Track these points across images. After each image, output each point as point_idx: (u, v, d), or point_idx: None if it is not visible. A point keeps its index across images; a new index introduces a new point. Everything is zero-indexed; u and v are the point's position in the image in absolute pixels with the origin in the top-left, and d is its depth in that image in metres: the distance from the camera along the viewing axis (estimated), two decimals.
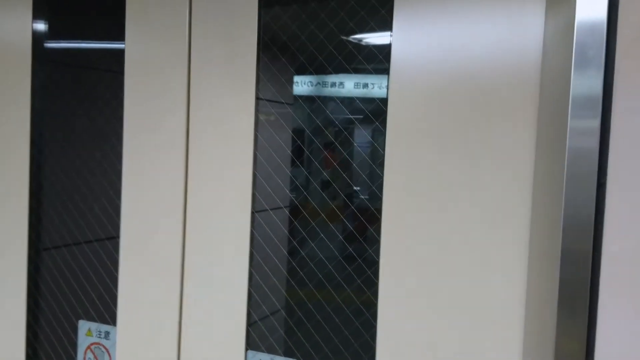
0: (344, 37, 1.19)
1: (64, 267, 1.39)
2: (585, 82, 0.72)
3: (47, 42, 1.36)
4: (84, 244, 1.38)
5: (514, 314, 0.95)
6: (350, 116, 1.26)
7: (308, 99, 1.47)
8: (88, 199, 1.39)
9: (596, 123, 0.71)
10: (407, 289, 1.02)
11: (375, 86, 1.43)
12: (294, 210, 1.29)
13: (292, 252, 1.24)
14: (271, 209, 1.24)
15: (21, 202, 1.35)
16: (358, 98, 1.30)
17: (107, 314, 1.31)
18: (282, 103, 1.26)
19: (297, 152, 1.28)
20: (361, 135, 1.34)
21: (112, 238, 1.29)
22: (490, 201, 0.96)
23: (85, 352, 1.34)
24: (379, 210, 1.05)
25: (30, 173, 1.34)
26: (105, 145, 1.34)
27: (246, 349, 1.17)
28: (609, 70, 0.71)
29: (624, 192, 0.71)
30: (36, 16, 1.35)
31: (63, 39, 1.41)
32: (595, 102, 0.71)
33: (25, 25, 1.35)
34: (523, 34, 0.92)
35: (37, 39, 1.35)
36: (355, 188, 1.36)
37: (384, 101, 1.06)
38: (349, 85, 1.49)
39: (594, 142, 0.72)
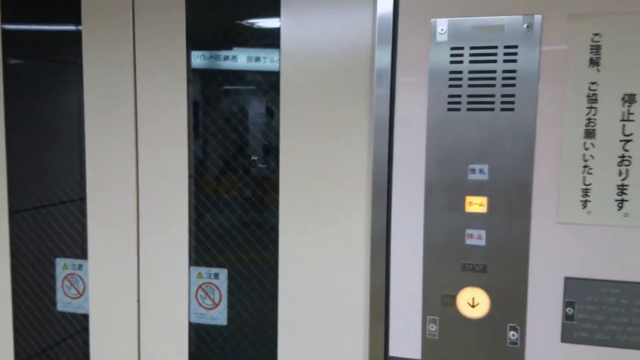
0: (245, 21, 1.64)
1: (43, 223, 1.78)
2: (382, 60, 1.23)
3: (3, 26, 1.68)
4: (60, 204, 1.78)
5: (359, 235, 1.49)
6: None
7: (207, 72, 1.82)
8: (61, 166, 1.77)
9: (387, 91, 1.23)
10: (296, 229, 1.54)
11: (268, 60, 1.78)
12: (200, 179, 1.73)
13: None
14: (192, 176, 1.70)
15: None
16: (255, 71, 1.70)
17: (79, 251, 1.73)
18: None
19: (200, 125, 1.72)
20: (258, 106, 1.78)
21: (81, 199, 1.69)
22: (348, 153, 1.48)
23: (62, 281, 1.76)
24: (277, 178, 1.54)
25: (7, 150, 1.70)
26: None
27: (189, 265, 1.66)
28: (395, 51, 1.21)
29: (403, 144, 1.24)
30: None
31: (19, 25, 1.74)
32: (386, 76, 1.22)
33: None
34: (361, 24, 1.41)
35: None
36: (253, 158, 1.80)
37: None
38: (242, 59, 1.80)
39: (386, 108, 1.24)
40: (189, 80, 1.60)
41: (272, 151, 1.64)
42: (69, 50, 1.69)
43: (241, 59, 1.70)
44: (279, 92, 1.52)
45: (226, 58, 1.71)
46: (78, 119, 1.68)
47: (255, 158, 1.73)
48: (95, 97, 1.64)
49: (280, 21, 1.49)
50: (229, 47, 1.68)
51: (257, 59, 1.67)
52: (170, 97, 1.61)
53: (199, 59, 1.69)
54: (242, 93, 1.73)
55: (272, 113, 1.65)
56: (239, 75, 1.71)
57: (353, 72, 1.44)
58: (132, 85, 1.62)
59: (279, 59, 1.51)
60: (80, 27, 1.64)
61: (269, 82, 1.61)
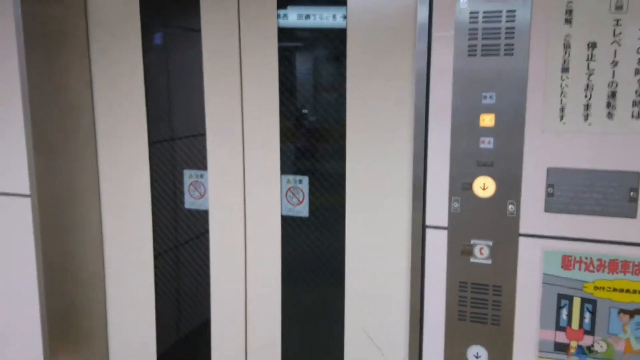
0: None
1: (175, 148, 2.44)
2: (421, 17, 1.78)
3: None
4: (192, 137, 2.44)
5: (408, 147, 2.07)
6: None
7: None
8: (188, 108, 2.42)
9: (424, 46, 1.79)
10: (360, 146, 2.14)
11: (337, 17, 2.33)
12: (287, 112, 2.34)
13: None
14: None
15: (140, 109, 2.37)
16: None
17: (201, 165, 2.39)
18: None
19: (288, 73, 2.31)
20: (327, 57, 2.36)
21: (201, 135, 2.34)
22: (396, 98, 2.06)
23: (189, 187, 2.43)
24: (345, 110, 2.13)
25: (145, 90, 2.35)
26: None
27: (280, 174, 2.29)
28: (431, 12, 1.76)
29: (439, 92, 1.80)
30: None
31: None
32: (424, 30, 1.78)
33: None
34: None
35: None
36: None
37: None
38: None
39: (424, 58, 1.80)
40: (279, 36, 2.18)
41: (340, 91, 2.23)
42: (191, 18, 2.29)
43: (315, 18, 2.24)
44: (345, 45, 2.09)
45: (307, 17, 2.24)
46: (199, 70, 2.30)
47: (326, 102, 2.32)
48: (211, 53, 2.25)
49: None
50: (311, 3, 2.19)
51: (322, 17, 2.20)
52: (264, 50, 2.20)
53: (286, 18, 2.25)
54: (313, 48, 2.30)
55: (340, 61, 2.22)
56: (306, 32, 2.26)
57: (406, 29, 1.99)
58: (237, 43, 2.22)
59: (346, 17, 2.07)
60: None
61: (336, 37, 2.17)
